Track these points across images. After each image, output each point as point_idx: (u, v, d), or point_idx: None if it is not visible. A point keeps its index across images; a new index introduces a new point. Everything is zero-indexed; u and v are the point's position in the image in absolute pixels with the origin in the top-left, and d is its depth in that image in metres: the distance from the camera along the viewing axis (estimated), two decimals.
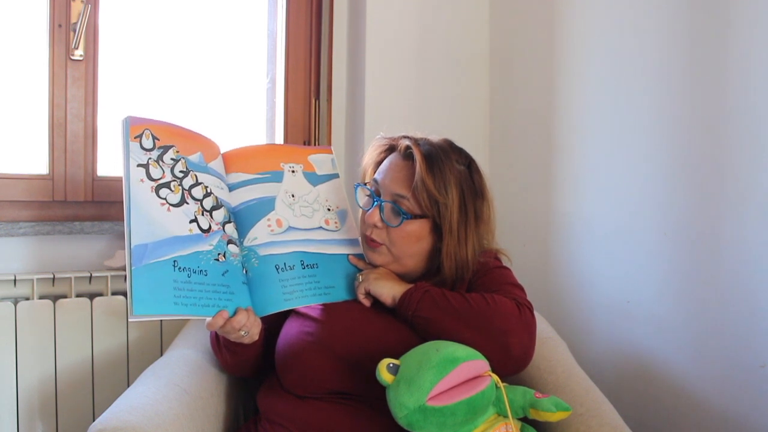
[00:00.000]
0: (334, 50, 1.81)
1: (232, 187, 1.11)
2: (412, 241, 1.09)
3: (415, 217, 1.08)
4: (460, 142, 1.17)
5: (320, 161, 1.22)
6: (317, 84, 1.81)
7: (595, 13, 1.54)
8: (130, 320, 0.87)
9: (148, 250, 0.92)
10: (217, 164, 1.11)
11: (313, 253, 1.11)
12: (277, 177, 1.15)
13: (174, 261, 0.94)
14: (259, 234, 1.08)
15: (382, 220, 1.09)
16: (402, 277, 1.12)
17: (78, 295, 1.41)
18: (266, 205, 1.12)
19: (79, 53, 1.47)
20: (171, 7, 1.67)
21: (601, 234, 1.51)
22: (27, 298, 1.37)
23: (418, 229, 1.08)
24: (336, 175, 1.23)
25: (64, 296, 1.40)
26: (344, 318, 1.07)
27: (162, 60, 1.64)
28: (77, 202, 1.49)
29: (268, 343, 1.12)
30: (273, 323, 1.12)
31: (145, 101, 1.62)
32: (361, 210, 1.17)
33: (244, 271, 1.05)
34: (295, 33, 1.79)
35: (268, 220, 1.10)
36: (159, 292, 0.91)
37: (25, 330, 1.34)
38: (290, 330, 1.09)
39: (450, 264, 1.08)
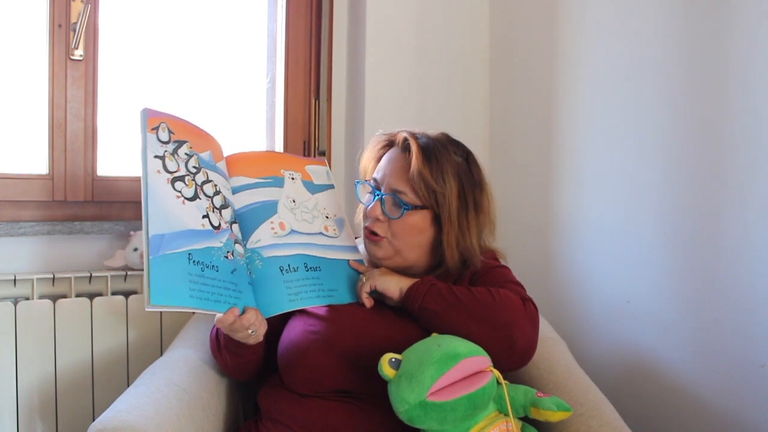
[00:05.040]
0: (334, 50, 1.81)
1: (234, 190, 1.12)
2: (414, 233, 1.10)
3: (415, 208, 1.08)
4: None
5: (316, 172, 1.24)
6: (317, 84, 1.81)
7: (595, 12, 1.54)
8: (146, 309, 0.86)
9: (164, 241, 0.91)
10: (222, 165, 1.12)
11: (316, 256, 1.12)
12: (278, 182, 1.16)
13: (189, 254, 0.94)
14: (262, 236, 1.09)
15: (383, 213, 1.10)
16: (405, 271, 1.13)
17: (78, 295, 1.41)
18: (269, 208, 1.12)
19: (79, 53, 1.47)
20: (171, 7, 1.67)
21: (600, 234, 1.51)
22: (27, 298, 1.37)
23: (420, 220, 1.09)
24: (331, 186, 1.24)
25: (64, 296, 1.40)
26: (348, 317, 1.08)
27: (162, 60, 1.64)
28: (77, 202, 1.49)
29: (270, 345, 1.12)
30: (274, 325, 1.12)
31: (145, 101, 1.61)
32: (361, 206, 1.18)
33: (248, 273, 1.05)
34: (295, 33, 1.79)
35: (272, 222, 1.11)
36: (175, 284, 0.90)
37: (25, 330, 1.34)
38: (294, 328, 1.09)
39: (452, 253, 1.09)
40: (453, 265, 1.10)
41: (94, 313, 1.41)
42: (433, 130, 1.17)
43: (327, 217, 1.19)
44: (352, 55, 1.80)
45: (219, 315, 0.96)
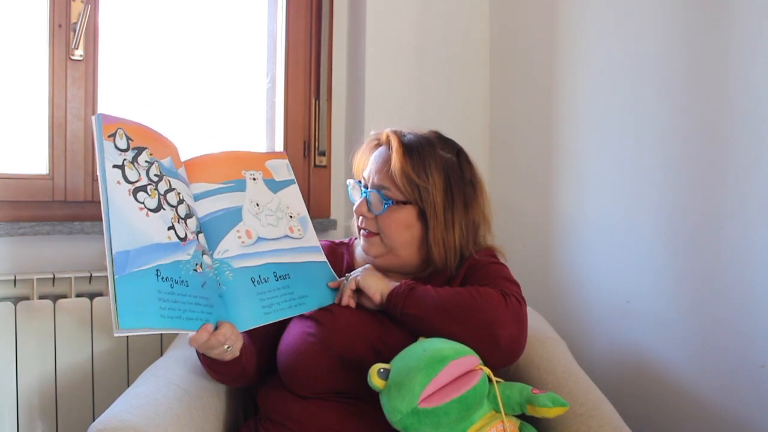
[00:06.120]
0: (334, 50, 1.81)
1: (195, 198, 1.07)
2: (401, 229, 1.10)
3: (397, 202, 1.09)
4: (460, 142, 1.18)
5: (276, 167, 1.19)
6: (317, 84, 1.81)
7: (595, 12, 1.54)
8: (115, 335, 0.82)
9: (130, 258, 0.86)
10: (182, 172, 1.07)
11: (284, 263, 1.09)
12: (240, 186, 1.12)
13: (157, 270, 0.88)
14: (230, 246, 1.05)
15: (369, 210, 1.11)
16: (399, 269, 1.13)
17: (78, 295, 1.41)
18: (234, 216, 1.08)
19: (79, 53, 1.47)
20: (171, 7, 1.67)
21: (600, 233, 1.51)
22: (27, 298, 1.37)
23: (405, 216, 1.10)
24: (292, 181, 1.19)
25: (64, 296, 1.40)
26: (346, 318, 1.07)
27: (162, 60, 1.64)
28: (77, 202, 1.49)
29: (267, 348, 1.11)
30: (271, 330, 1.10)
31: (145, 101, 1.62)
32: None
33: (218, 285, 1.01)
34: (295, 33, 1.79)
35: (238, 231, 1.07)
36: (144, 304, 0.85)
37: (25, 330, 1.34)
38: (293, 331, 1.09)
39: (439, 250, 1.09)
40: (440, 262, 1.10)
41: (94, 313, 1.41)
42: (426, 129, 1.17)
43: (291, 217, 1.15)
44: (352, 55, 1.80)
45: (191, 334, 0.92)
